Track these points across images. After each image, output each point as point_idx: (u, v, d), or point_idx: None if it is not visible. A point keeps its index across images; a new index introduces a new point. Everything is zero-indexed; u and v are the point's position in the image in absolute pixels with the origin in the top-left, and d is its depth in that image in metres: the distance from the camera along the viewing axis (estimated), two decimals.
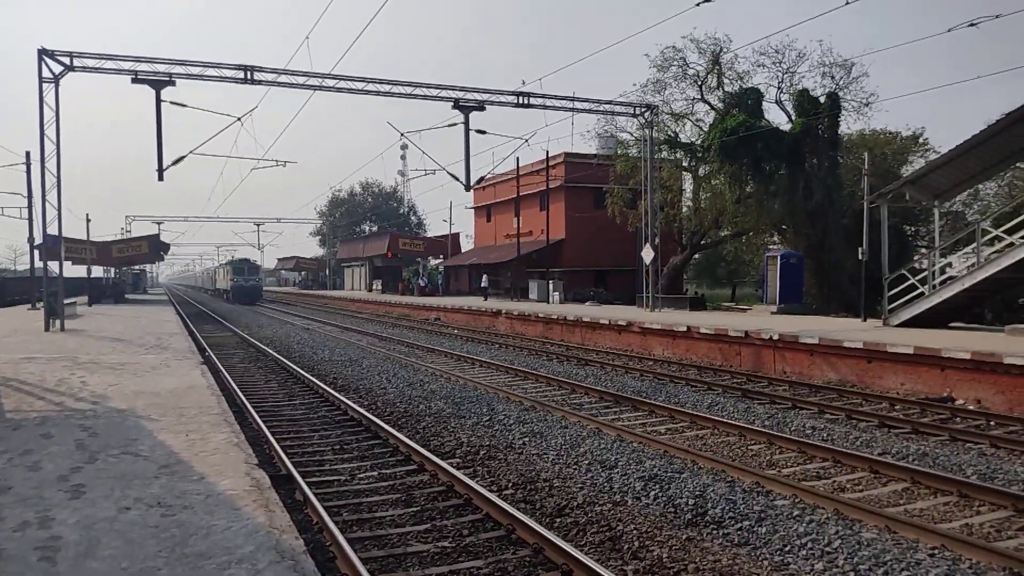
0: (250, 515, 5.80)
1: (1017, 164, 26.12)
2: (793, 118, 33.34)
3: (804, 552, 6.42)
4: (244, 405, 13.40)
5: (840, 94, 33.19)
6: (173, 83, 22.96)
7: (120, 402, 11.10)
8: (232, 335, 30.71)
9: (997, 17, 15.63)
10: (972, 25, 16.11)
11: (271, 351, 23.03)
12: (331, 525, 6.78)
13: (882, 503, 7.93)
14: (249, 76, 23.40)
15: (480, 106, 26.15)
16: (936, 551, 6.37)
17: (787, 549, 6.51)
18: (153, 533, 5.44)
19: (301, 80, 23.81)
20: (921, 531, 6.77)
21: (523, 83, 29.94)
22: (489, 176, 35.83)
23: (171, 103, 23.25)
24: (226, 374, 17.40)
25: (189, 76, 23.10)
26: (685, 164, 37.95)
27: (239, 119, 24.73)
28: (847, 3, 14.75)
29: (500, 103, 26.57)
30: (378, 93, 24.95)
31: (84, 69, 22.55)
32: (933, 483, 8.41)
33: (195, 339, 25.13)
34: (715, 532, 7.00)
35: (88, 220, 43.56)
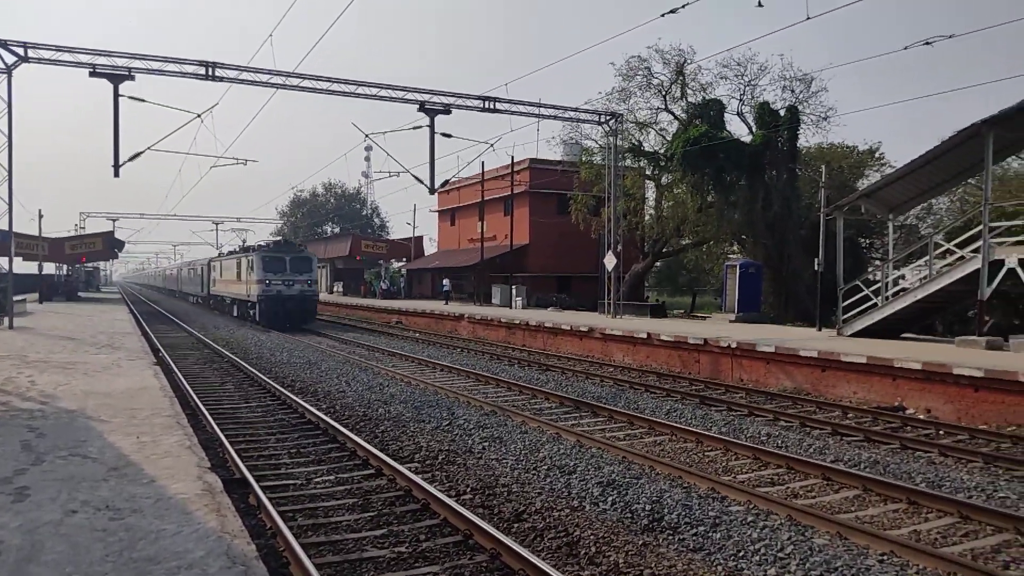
0: (201, 519, 5.68)
1: (968, 180, 26.89)
2: (754, 130, 33.92)
3: (757, 557, 6.50)
4: (198, 407, 13.14)
5: (799, 108, 33.88)
6: (132, 78, 22.49)
7: (69, 402, 10.81)
8: (187, 336, 30.12)
9: (951, 37, 16.11)
10: (927, 44, 16.58)
11: (227, 352, 22.65)
12: (285, 530, 6.67)
13: (834, 509, 8.07)
14: (210, 72, 23.01)
15: (446, 109, 26.09)
16: (885, 557, 6.50)
17: (741, 554, 6.58)
18: (100, 537, 5.30)
19: (264, 78, 23.50)
20: (871, 537, 6.90)
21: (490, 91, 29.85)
22: (454, 180, 35.72)
23: (129, 98, 22.79)
24: (180, 375, 17.04)
25: (149, 71, 22.64)
26: (648, 173, 38.33)
27: (199, 116, 24.32)
28: (808, 18, 15.06)
29: (466, 107, 26.55)
30: (343, 93, 24.75)
31: (39, 61, 21.95)
32: (883, 490, 8.58)
33: (149, 339, 24.59)
34: (671, 537, 7.06)
35: (40, 216, 42.36)
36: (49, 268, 53.60)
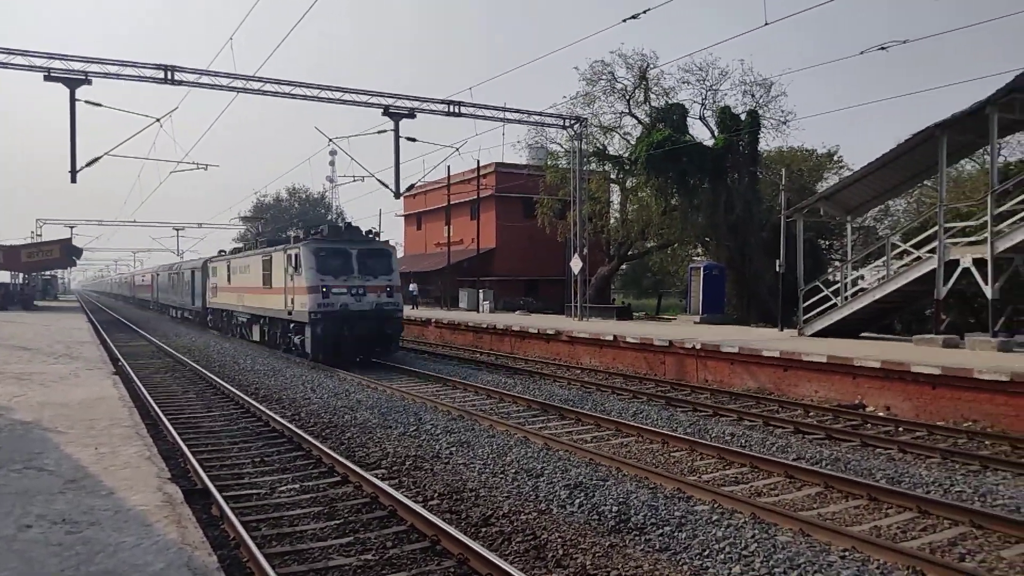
0: (161, 531, 5.56)
1: (924, 182, 27.54)
2: (716, 134, 34.37)
3: (722, 556, 6.56)
4: (159, 417, 12.90)
5: (760, 112, 34.43)
6: (89, 82, 22.03)
7: (25, 414, 10.52)
8: (147, 344, 29.54)
9: (904, 42, 16.49)
10: (882, 48, 16.95)
11: (189, 360, 22.26)
12: (248, 540, 6.58)
13: (796, 507, 8.19)
14: (169, 76, 22.64)
15: (410, 113, 25.99)
16: (847, 552, 6.61)
17: (706, 553, 6.64)
18: (56, 552, 5.16)
19: (224, 82, 23.19)
20: (833, 534, 7.02)
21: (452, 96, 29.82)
22: (419, 184, 35.63)
23: (86, 102, 22.31)
24: (140, 384, 16.71)
25: (106, 75, 22.19)
26: (613, 176, 38.61)
27: (158, 120, 23.92)
28: (766, 24, 15.30)
29: (431, 111, 26.48)
30: (305, 97, 24.52)
31: None
32: (845, 487, 8.73)
33: (108, 348, 24.08)
34: (637, 538, 7.10)
35: None
36: (4, 276, 52.17)
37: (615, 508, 7.88)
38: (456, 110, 26.64)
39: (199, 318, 38.50)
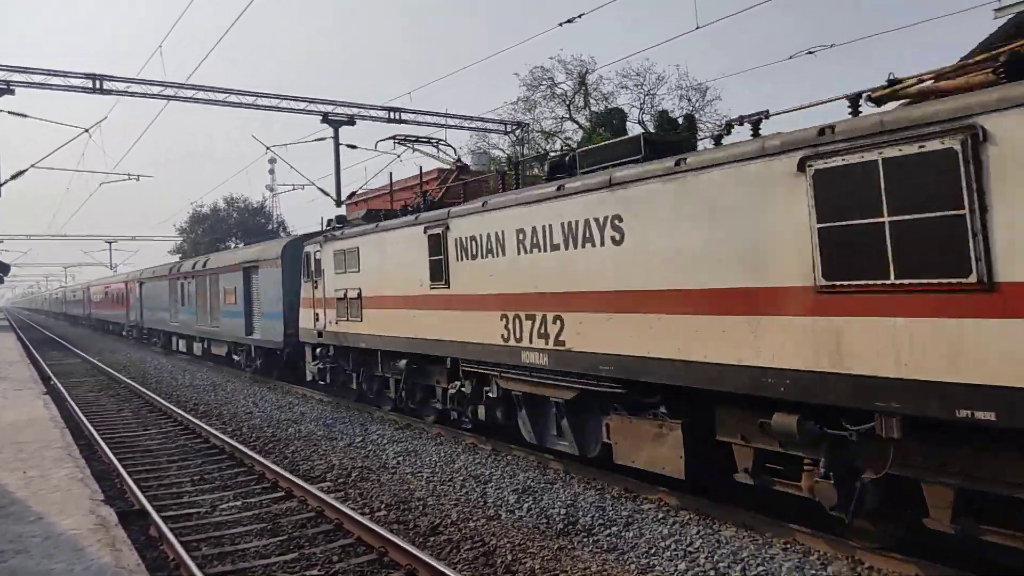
0: (94, 556, 5.36)
1: None
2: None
3: (668, 553, 6.64)
4: (93, 437, 12.45)
5: (696, 116, 35.11)
6: (12, 92, 21.22)
7: None
8: (81, 361, 28.51)
9: (831, 46, 16.99)
10: (810, 53, 17.42)
11: (124, 378, 21.54)
12: (188, 561, 6.39)
13: (741, 502, 8.31)
14: (98, 85, 21.96)
15: (350, 120, 25.77)
16: (788, 546, 6.75)
17: (652, 552, 6.71)
18: None
19: (155, 90, 22.59)
20: (775, 527, 7.15)
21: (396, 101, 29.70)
22: (361, 191, 35.26)
23: (9, 113, 21.46)
24: (73, 404, 16.11)
25: (30, 84, 21.41)
26: None
27: (87, 131, 23.13)
28: (697, 27, 15.65)
29: (371, 118, 26.30)
30: (240, 105, 24.06)
31: None
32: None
33: (38, 367, 23.15)
34: (586, 540, 7.13)
35: None
36: None
37: (563, 511, 7.90)
38: (397, 116, 26.51)
39: (265, 359, 20.54)
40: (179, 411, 14.96)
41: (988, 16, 11.21)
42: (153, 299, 32.67)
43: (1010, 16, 10.80)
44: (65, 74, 21.69)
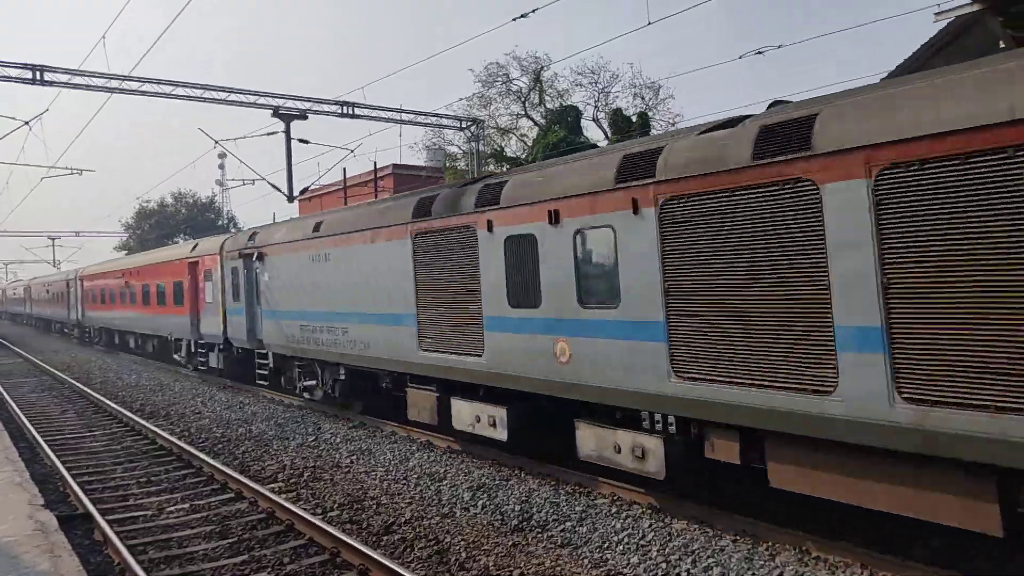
0: (31, 563, 5.18)
1: None
2: (609, 135, 35.18)
3: (621, 547, 6.70)
4: (35, 440, 12.06)
5: (650, 114, 35.48)
6: None
7: None
8: (22, 361, 27.57)
9: (779, 47, 17.33)
10: (759, 53, 17.77)
11: (68, 378, 20.90)
12: (134, 565, 6.22)
13: (692, 496, 8.42)
14: (38, 76, 21.16)
15: (302, 115, 25.31)
16: (738, 537, 6.86)
17: (606, 546, 6.76)
18: None
19: (98, 82, 21.90)
20: (725, 519, 7.26)
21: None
22: (314, 187, 34.79)
23: None
24: (13, 405, 15.58)
25: None
26: None
27: (27, 123, 22.34)
28: (648, 23, 15.80)
29: (323, 112, 25.90)
30: (188, 98, 23.45)
31: None
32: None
33: None
34: (540, 535, 7.15)
35: None
36: None
37: (518, 507, 7.91)
38: (351, 111, 26.16)
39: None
40: (125, 412, 14.57)
41: (929, 19, 11.53)
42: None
43: (949, 20, 11.14)
44: (3, 64, 20.89)
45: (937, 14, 11.33)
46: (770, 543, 6.65)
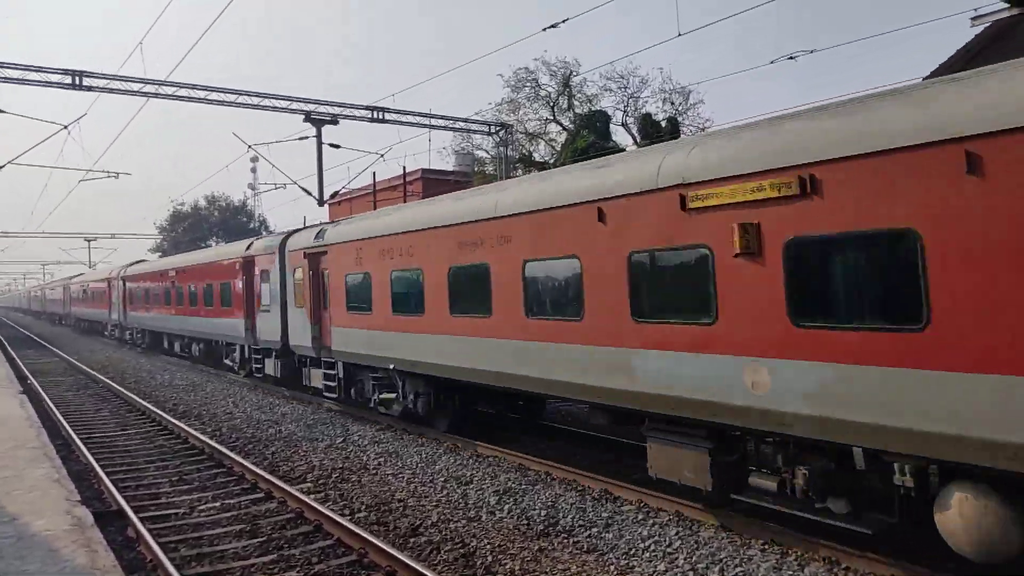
0: (69, 556, 5.30)
1: None
2: (638, 140, 35.06)
3: (647, 554, 6.67)
4: (70, 437, 12.32)
5: (679, 119, 35.28)
6: None
7: None
8: (59, 360, 28.17)
9: (812, 52, 17.19)
10: (791, 58, 17.63)
11: (103, 377, 21.31)
12: (166, 562, 6.34)
13: (717, 503, 8.37)
14: (78, 81, 21.70)
15: (333, 120, 25.65)
16: (767, 546, 6.80)
17: (632, 552, 6.74)
18: None
19: (135, 87, 22.37)
20: (753, 528, 7.20)
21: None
22: (344, 191, 35.13)
23: None
24: (50, 403, 15.92)
25: (9, 80, 21.12)
26: None
27: (66, 127, 22.90)
28: (680, 35, 15.76)
29: (354, 117, 26.21)
30: (222, 103, 23.88)
31: None
32: None
33: (14, 365, 22.86)
34: (565, 541, 7.15)
35: None
36: None
37: (544, 512, 7.92)
38: (380, 116, 26.42)
39: None
40: (158, 411, 14.82)
41: (965, 24, 11.40)
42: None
43: (986, 24, 10.98)
44: (44, 70, 21.43)
45: (973, 19, 11.18)
46: (799, 553, 6.59)
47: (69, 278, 56.32)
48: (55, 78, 21.61)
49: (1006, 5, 9.83)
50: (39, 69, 21.40)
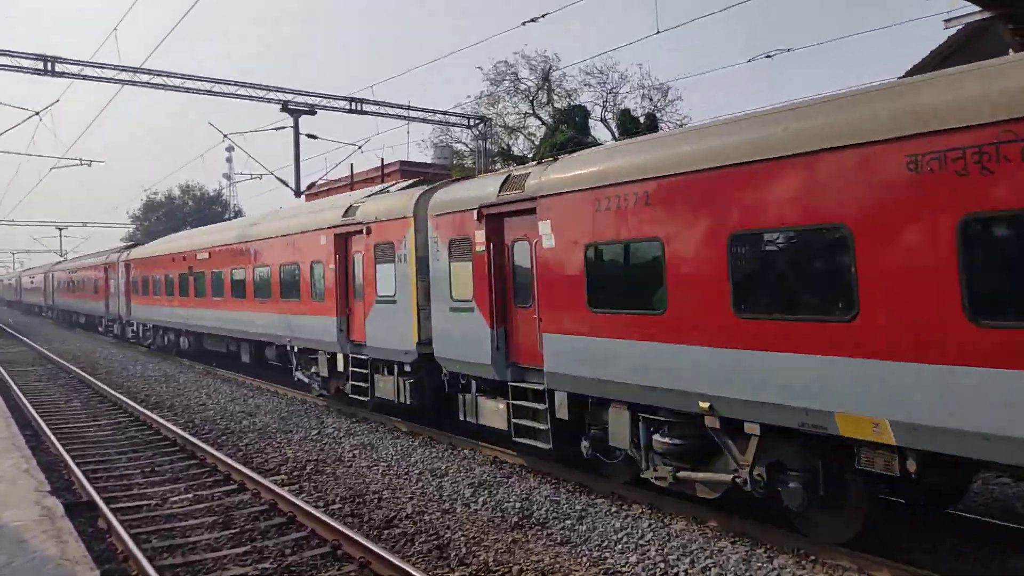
0: (38, 547, 5.26)
1: None
2: (617, 136, 35.20)
3: (620, 546, 6.75)
4: (40, 428, 12.16)
5: (658, 115, 35.50)
6: None
7: None
8: (28, 350, 27.74)
9: (788, 51, 17.35)
10: (768, 56, 17.77)
11: (74, 368, 21.03)
12: (137, 553, 6.29)
13: (690, 497, 8.46)
14: (50, 67, 21.29)
15: (311, 110, 25.45)
16: (736, 539, 6.90)
17: (605, 544, 6.81)
18: None
19: (109, 73, 22.01)
20: (724, 520, 7.30)
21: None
22: (321, 182, 34.91)
23: None
24: (19, 393, 15.70)
25: None
26: None
27: (37, 113, 22.47)
28: (658, 32, 15.84)
29: (332, 108, 26.02)
30: (199, 91, 23.56)
31: None
32: None
33: None
34: (539, 533, 7.20)
35: None
36: None
37: (518, 504, 7.97)
38: (359, 107, 26.27)
39: None
40: (130, 402, 14.67)
41: (939, 25, 11.59)
42: None
43: (959, 27, 11.16)
44: (15, 54, 21.01)
45: (947, 20, 11.36)
46: (768, 545, 6.69)
47: (53, 264, 50.21)
48: (26, 63, 21.19)
49: (978, 8, 10.01)
50: (9, 54, 20.98)
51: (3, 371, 19.48)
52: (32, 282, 58.92)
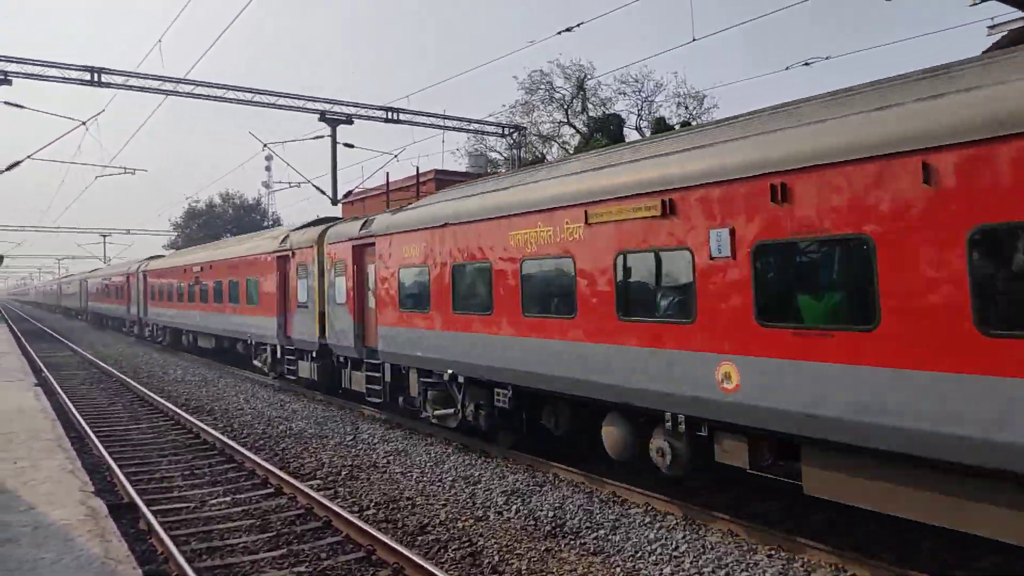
0: (83, 546, 5.40)
1: None
2: None
3: (654, 557, 6.70)
4: (84, 430, 12.45)
5: (693, 123, 35.27)
6: (9, 82, 21.18)
7: None
8: (72, 354, 28.44)
9: (827, 58, 17.15)
10: (807, 64, 17.61)
11: (116, 371, 21.52)
12: (176, 554, 6.42)
13: (727, 508, 8.38)
14: (96, 78, 21.94)
15: (348, 119, 25.81)
16: (773, 552, 6.81)
17: (638, 555, 6.78)
18: None
19: (153, 84, 22.58)
20: (760, 533, 7.21)
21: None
22: (357, 190, 35.35)
23: (6, 103, 21.42)
24: (64, 396, 16.10)
25: (28, 76, 21.37)
26: None
27: (84, 123, 23.07)
28: (694, 40, 15.80)
29: (368, 117, 26.35)
30: (239, 101, 24.07)
31: None
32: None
33: (29, 359, 23.10)
34: (572, 542, 7.19)
35: None
36: None
37: (551, 513, 7.96)
38: (395, 117, 26.56)
39: None
40: (170, 406, 14.96)
41: (981, 32, 11.38)
42: None
43: (1003, 33, 10.95)
44: (63, 66, 21.67)
45: (990, 27, 11.15)
46: (806, 558, 6.60)
47: (87, 273, 55.81)
48: (74, 74, 21.84)
49: (1022, 14, 9.82)
50: (58, 65, 21.64)
51: (50, 376, 19.99)
52: (69, 288, 65.62)
